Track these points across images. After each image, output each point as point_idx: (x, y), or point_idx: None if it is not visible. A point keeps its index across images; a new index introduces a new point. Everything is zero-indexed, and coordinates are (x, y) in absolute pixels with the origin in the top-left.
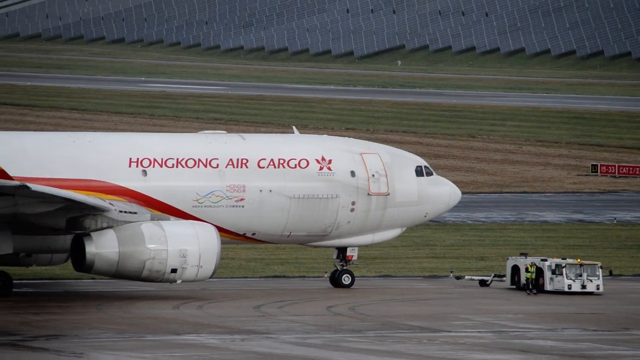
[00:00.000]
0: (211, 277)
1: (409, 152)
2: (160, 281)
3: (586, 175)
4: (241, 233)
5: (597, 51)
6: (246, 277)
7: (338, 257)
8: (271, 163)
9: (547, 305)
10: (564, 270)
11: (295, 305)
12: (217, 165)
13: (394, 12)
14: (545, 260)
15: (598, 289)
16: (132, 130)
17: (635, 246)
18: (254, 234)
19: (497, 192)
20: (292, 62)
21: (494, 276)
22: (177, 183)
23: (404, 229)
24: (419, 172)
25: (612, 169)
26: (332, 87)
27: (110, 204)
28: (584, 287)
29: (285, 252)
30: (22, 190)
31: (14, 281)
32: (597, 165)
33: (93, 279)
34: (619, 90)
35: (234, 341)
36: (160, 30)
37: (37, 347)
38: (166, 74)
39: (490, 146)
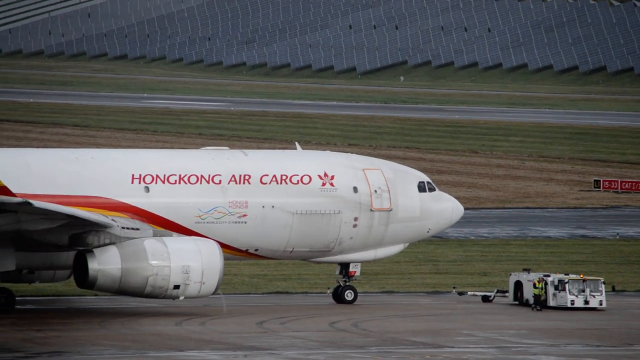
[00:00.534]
0: (214, 293)
1: (412, 167)
2: (163, 297)
3: (589, 190)
4: (244, 249)
5: (600, 67)
6: (249, 293)
7: (341, 273)
8: (274, 179)
9: (550, 321)
10: (566, 285)
11: (298, 321)
12: (220, 181)
13: (396, 27)
14: (548, 276)
15: (601, 304)
16: (135, 147)
17: (638, 262)
18: (256, 250)
19: (500, 208)
20: (295, 78)
21: (496, 292)
22: (179, 199)
23: (407, 244)
24: (421, 187)
25: (614, 185)
26: (334, 103)
27: (113, 220)
28: (586, 302)
29: (287, 268)
30: (24, 207)
31: (17, 298)
32: (599, 180)
33: (96, 295)
34: (622, 106)
35: (236, 357)
36: (162, 47)
37: None
38: (169, 90)
39: (492, 162)
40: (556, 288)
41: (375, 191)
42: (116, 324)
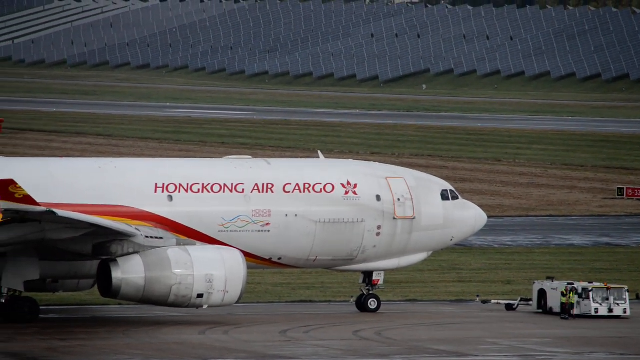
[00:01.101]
0: (237, 302)
1: (435, 176)
2: (186, 306)
3: (612, 198)
4: (267, 258)
5: (622, 74)
6: (272, 302)
7: (364, 281)
8: (297, 187)
9: (574, 329)
10: (590, 294)
11: (321, 330)
12: (243, 190)
13: (418, 36)
14: (572, 284)
15: (625, 312)
16: (158, 156)
17: None
18: (280, 258)
19: (523, 216)
20: (317, 87)
21: (520, 300)
22: (202, 208)
23: (430, 253)
24: (444, 196)
25: (638, 192)
26: (357, 111)
27: (137, 229)
28: (610, 310)
29: (311, 276)
30: (48, 216)
31: (41, 307)
32: (623, 188)
33: (120, 304)
34: None
35: None
36: (185, 56)
37: None
38: (191, 100)
39: (516, 170)
40: (580, 296)
41: (399, 199)
42: (140, 333)
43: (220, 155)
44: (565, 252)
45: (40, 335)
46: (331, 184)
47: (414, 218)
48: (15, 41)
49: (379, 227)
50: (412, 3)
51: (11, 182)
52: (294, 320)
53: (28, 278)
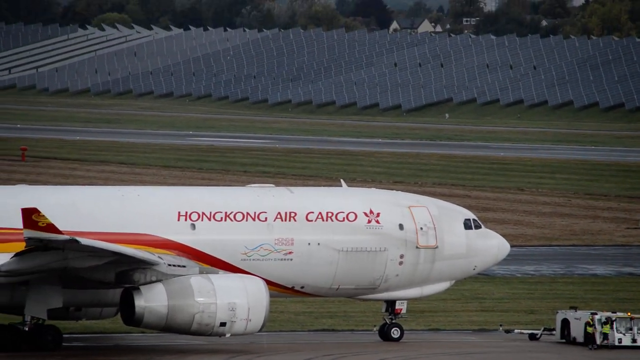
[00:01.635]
0: (260, 330)
1: (457, 205)
2: (209, 335)
3: (635, 228)
4: (290, 286)
5: None
6: (295, 331)
7: (387, 310)
8: (319, 216)
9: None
10: (614, 323)
11: (344, 359)
12: (266, 218)
13: (441, 65)
14: (596, 314)
15: None
16: (180, 184)
17: None
18: (302, 287)
19: (546, 245)
20: (340, 116)
21: (543, 330)
22: (225, 236)
23: (453, 282)
24: (467, 225)
25: None
26: (379, 140)
27: (159, 257)
28: (634, 341)
29: (334, 305)
30: (71, 244)
31: (64, 335)
32: None
33: (142, 332)
34: None
35: None
36: (208, 85)
37: None
38: (214, 128)
39: (538, 199)
40: (610, 326)
41: (421, 228)
42: None
43: (243, 183)
44: (588, 282)
45: None
46: (354, 213)
47: (436, 247)
48: (39, 70)
49: (401, 256)
50: (435, 32)
51: (35, 211)
52: (317, 349)
53: (51, 306)
